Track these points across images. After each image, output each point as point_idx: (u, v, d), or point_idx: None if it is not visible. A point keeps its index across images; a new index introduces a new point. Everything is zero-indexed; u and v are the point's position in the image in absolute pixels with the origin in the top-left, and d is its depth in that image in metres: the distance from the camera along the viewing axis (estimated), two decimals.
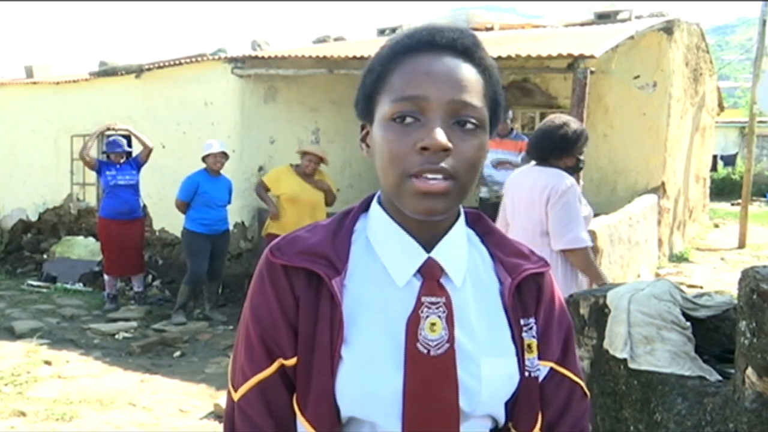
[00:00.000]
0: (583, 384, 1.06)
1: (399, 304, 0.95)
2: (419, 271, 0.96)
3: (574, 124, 3.22)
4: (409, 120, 0.90)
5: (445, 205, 0.91)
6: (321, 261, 0.95)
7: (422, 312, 0.94)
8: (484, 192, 6.41)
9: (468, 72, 0.93)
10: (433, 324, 0.94)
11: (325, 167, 6.24)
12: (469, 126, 0.91)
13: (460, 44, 0.94)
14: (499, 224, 3.52)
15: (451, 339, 0.94)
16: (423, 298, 0.95)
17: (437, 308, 0.95)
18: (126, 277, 7.12)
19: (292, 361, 0.95)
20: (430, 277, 0.96)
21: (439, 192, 0.89)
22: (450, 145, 0.89)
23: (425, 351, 0.93)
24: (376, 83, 0.95)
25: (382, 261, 0.97)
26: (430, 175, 0.89)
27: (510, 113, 6.78)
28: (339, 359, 0.92)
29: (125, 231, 6.71)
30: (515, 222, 3.29)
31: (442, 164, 0.89)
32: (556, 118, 3.36)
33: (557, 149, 3.18)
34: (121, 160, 6.80)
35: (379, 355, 0.93)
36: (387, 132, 0.92)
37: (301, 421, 0.94)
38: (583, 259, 3.06)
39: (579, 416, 1.04)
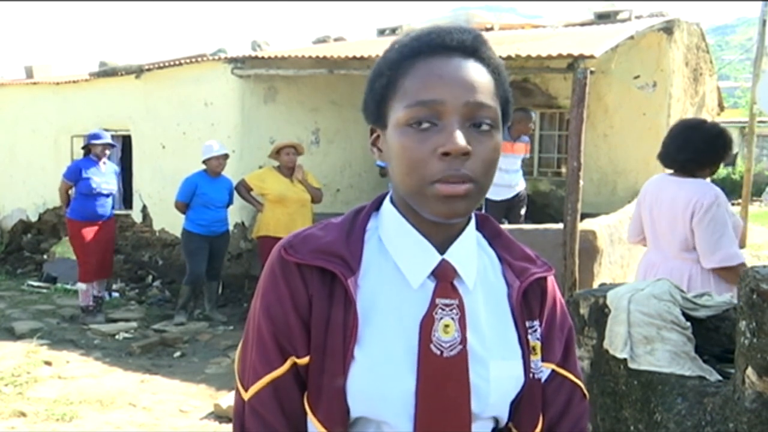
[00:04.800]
0: (582, 385, 1.07)
1: (413, 305, 0.95)
2: (433, 272, 0.96)
3: (724, 133, 2.99)
4: (425, 125, 0.90)
5: (465, 208, 0.92)
6: (336, 260, 0.95)
7: (436, 313, 0.94)
8: (490, 193, 6.48)
9: (479, 72, 0.92)
10: (446, 326, 0.94)
11: (324, 167, 6.25)
12: (484, 127, 0.91)
13: (469, 45, 0.93)
14: (630, 235, 3.37)
15: (463, 341, 0.95)
16: (437, 300, 0.95)
17: (450, 310, 0.95)
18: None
19: (305, 360, 0.94)
20: (444, 278, 0.96)
21: (461, 195, 0.89)
22: (470, 148, 0.88)
23: (438, 352, 0.93)
24: (387, 88, 0.94)
25: (395, 262, 0.97)
26: (452, 179, 0.89)
27: (533, 114, 6.86)
28: (351, 359, 0.92)
29: (102, 232, 6.44)
30: (656, 237, 3.11)
31: (463, 169, 0.89)
32: (702, 122, 3.10)
33: (706, 159, 2.96)
34: (106, 156, 6.46)
35: (391, 356, 0.93)
36: (404, 138, 0.91)
37: (312, 420, 0.94)
38: (738, 276, 2.70)
39: (578, 417, 1.05)
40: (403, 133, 0.91)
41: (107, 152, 6.52)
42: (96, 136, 6.47)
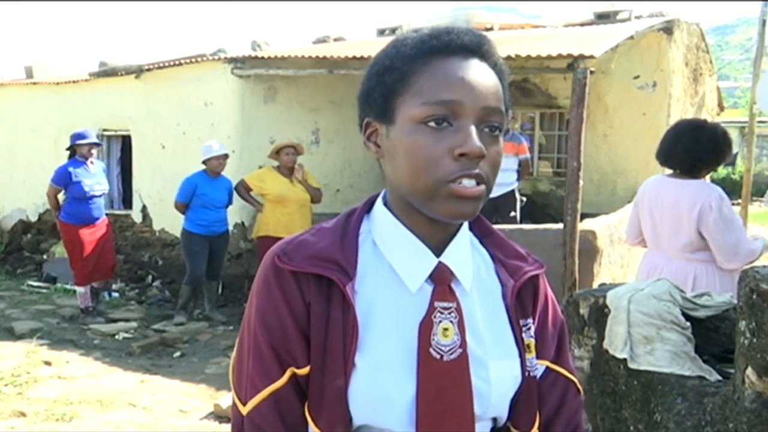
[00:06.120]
0: (576, 381, 1.07)
1: (411, 309, 0.94)
2: (430, 276, 0.96)
3: (727, 132, 2.98)
4: (441, 124, 0.89)
5: (476, 209, 0.91)
6: (332, 266, 0.93)
7: (435, 317, 0.93)
8: None
9: (493, 78, 0.93)
10: (445, 329, 0.93)
11: (324, 167, 6.25)
12: (494, 131, 0.92)
13: (486, 50, 0.94)
14: (629, 237, 3.37)
15: (463, 344, 0.94)
16: (435, 303, 0.94)
17: (449, 313, 0.94)
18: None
19: (304, 370, 0.93)
20: (442, 282, 0.96)
21: (474, 196, 0.90)
22: (485, 151, 0.89)
23: (438, 356, 0.92)
24: (399, 83, 0.92)
25: (392, 266, 0.96)
26: (466, 181, 0.89)
27: (509, 112, 6.88)
28: (352, 366, 0.91)
29: (99, 234, 6.32)
30: (658, 238, 3.08)
31: (477, 170, 0.89)
32: (704, 121, 3.07)
33: (714, 158, 2.93)
34: (93, 155, 6.28)
35: (392, 361, 0.92)
36: (418, 136, 0.90)
37: (314, 430, 0.93)
38: None
39: (573, 412, 1.06)
40: (417, 130, 0.90)
41: (94, 152, 6.34)
42: (81, 136, 6.21)
